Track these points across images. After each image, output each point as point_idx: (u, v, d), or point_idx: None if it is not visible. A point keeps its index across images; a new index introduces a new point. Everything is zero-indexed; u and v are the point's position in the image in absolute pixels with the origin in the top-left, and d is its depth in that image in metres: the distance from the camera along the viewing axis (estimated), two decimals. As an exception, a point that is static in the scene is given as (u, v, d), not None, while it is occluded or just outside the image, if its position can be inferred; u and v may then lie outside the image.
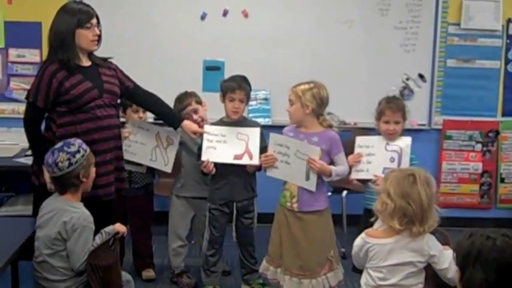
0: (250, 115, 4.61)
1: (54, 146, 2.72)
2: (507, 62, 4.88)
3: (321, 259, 3.11)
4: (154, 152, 3.56)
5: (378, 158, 3.17)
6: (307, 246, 3.10)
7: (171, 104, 3.60)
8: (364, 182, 3.21)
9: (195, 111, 3.62)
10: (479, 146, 4.92)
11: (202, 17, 4.72)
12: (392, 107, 3.19)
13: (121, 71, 3.25)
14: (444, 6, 4.77)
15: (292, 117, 3.17)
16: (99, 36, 3.03)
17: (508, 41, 4.85)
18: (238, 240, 3.53)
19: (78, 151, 2.67)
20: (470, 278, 1.79)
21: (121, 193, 3.22)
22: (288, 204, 3.15)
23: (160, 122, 3.60)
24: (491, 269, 1.76)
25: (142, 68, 4.50)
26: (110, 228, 2.70)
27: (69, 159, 2.63)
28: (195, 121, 3.55)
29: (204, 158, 3.29)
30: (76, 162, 2.65)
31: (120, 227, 2.73)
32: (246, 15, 4.73)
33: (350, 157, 3.19)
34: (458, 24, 4.80)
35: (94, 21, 2.99)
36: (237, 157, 3.30)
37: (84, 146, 2.72)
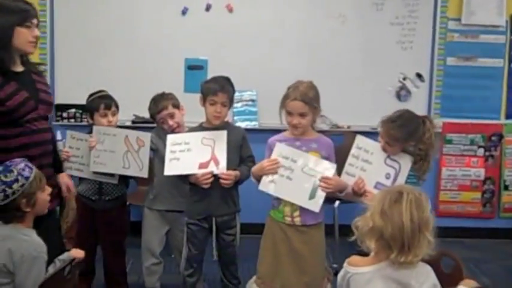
0: (236, 118, 4.41)
1: None
2: (511, 60, 4.75)
3: (323, 271, 2.98)
4: (126, 158, 3.29)
5: (373, 169, 2.91)
6: (312, 260, 2.92)
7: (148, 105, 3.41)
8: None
9: (171, 116, 3.36)
10: (481, 151, 4.79)
11: (184, 12, 4.58)
12: (381, 129, 2.90)
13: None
14: (443, 0, 4.69)
15: (303, 129, 2.87)
16: (37, 39, 2.80)
17: (512, 38, 4.76)
18: (219, 259, 3.24)
19: (16, 180, 2.35)
20: None
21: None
22: (288, 219, 2.90)
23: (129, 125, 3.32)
24: None
25: (120, 67, 4.55)
26: (65, 256, 2.39)
27: (4, 190, 2.33)
28: (170, 127, 3.32)
29: (167, 172, 3.06)
30: (13, 193, 2.34)
31: (76, 253, 2.41)
32: (230, 9, 4.58)
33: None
34: (459, 20, 4.66)
35: (35, 21, 2.78)
36: (202, 166, 3.03)
37: (26, 172, 2.39)
